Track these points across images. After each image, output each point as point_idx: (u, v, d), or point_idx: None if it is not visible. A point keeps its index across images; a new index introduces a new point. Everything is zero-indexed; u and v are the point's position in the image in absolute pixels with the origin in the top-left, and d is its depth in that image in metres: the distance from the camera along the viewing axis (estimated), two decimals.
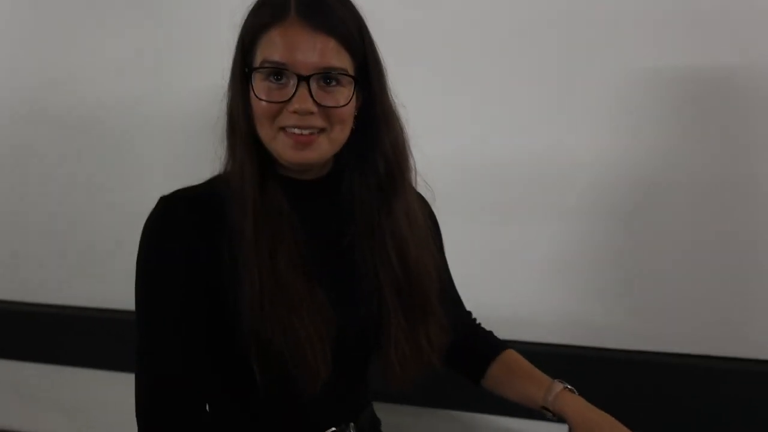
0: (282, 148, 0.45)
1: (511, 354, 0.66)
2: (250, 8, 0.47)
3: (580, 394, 0.58)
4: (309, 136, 0.45)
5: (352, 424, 0.57)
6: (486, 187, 0.95)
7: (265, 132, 0.46)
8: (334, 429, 0.55)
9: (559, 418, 0.57)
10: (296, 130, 0.44)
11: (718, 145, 0.85)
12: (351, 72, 0.46)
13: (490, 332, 0.71)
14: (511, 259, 0.95)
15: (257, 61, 0.45)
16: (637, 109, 0.88)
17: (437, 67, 0.93)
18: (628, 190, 0.89)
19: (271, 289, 0.45)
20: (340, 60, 0.45)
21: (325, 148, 0.47)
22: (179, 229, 0.47)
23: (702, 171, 0.85)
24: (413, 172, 0.54)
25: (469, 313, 0.72)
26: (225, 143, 0.50)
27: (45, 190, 1.22)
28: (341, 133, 0.47)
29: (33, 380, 1.27)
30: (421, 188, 0.57)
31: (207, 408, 0.52)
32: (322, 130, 0.45)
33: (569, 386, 0.58)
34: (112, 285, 1.02)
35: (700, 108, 0.86)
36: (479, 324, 0.72)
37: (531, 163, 0.93)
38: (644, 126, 0.88)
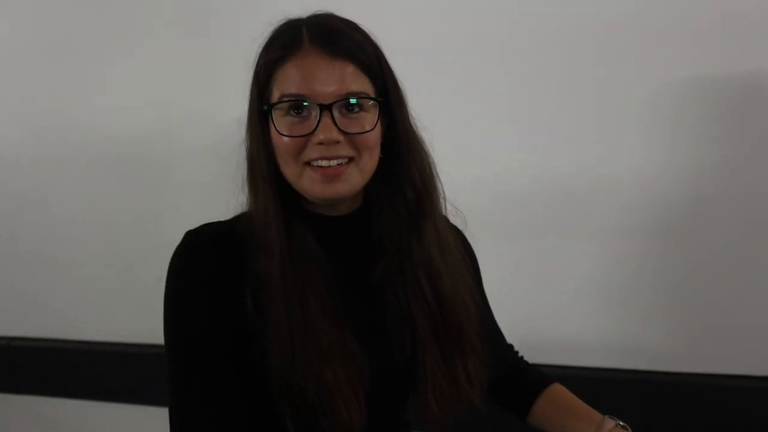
0: (310, 184, 0.44)
1: (558, 388, 0.63)
2: (262, 45, 0.47)
3: (622, 418, 0.56)
4: (337, 168, 0.43)
5: None
6: (519, 209, 0.93)
7: (290, 170, 0.45)
8: None
9: None
10: (323, 163, 0.43)
11: (764, 155, 0.82)
12: (374, 95, 0.45)
13: (534, 366, 0.69)
14: (548, 281, 0.93)
15: (275, 97, 0.44)
16: (675, 121, 0.86)
17: (459, 85, 0.93)
18: (668, 207, 0.87)
19: (301, 338, 0.43)
20: (361, 84, 0.44)
21: (355, 178, 0.45)
22: (204, 267, 0.46)
23: (748, 182, 0.83)
24: (442, 199, 0.52)
25: (511, 346, 0.70)
26: (246, 190, 0.49)
27: (84, 225, 1.28)
28: (370, 161, 0.46)
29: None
30: (450, 215, 0.55)
31: None
32: (350, 160, 0.44)
33: (621, 422, 0.55)
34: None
35: (741, 117, 0.84)
36: (522, 357, 0.70)
37: (565, 182, 0.91)
38: (684, 138, 0.86)
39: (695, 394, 0.87)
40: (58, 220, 1.28)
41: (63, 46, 1.24)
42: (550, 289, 0.93)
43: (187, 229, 0.48)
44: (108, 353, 1.24)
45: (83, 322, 1.27)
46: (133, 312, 1.17)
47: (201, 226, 0.49)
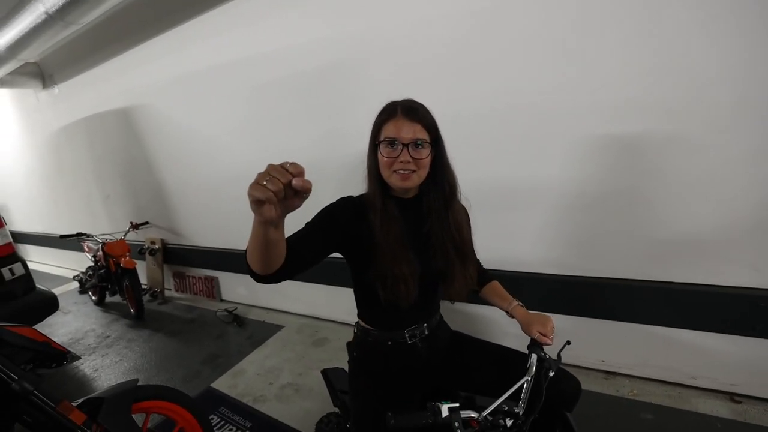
0: (394, 180, 0.86)
1: (495, 282, 1.09)
2: (378, 114, 0.88)
3: (527, 304, 1.01)
4: (408, 174, 0.85)
5: (425, 324, 0.99)
6: (495, 194, 1.58)
7: (386, 173, 0.86)
8: (415, 325, 0.97)
9: (512, 317, 0.98)
10: (402, 171, 0.84)
11: None
12: (429, 141, 0.85)
13: (488, 270, 1.14)
14: (514, 230, 1.63)
15: (381, 137, 0.85)
16: None
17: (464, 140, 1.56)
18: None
19: (386, 253, 0.85)
20: (423, 135, 0.84)
21: (415, 180, 0.86)
22: (344, 208, 0.88)
23: None
24: (460, 192, 0.95)
25: (479, 260, 1.13)
26: (366, 182, 0.91)
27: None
28: (423, 172, 0.87)
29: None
30: (462, 197, 0.99)
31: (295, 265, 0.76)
32: (413, 171, 0.85)
33: (521, 303, 0.99)
34: None
35: None
36: (482, 265, 1.15)
37: (508, 183, 1.59)
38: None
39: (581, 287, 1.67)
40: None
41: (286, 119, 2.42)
42: (505, 236, 1.62)
43: (341, 196, 0.91)
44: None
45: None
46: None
47: (348, 196, 0.92)
